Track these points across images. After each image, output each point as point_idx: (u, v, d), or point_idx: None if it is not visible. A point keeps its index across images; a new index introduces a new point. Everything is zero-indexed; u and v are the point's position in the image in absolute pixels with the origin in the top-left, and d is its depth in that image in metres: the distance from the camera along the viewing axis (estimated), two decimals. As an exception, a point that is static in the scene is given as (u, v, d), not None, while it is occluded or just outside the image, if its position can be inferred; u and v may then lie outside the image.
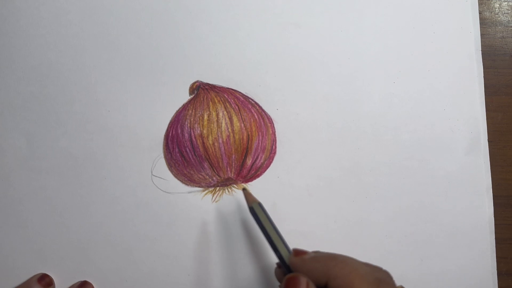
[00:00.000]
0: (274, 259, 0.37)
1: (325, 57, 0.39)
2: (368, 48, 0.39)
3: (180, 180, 0.38)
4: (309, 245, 0.38)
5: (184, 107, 0.38)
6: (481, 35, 0.40)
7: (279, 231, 0.31)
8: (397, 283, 0.38)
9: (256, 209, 0.32)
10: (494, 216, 0.38)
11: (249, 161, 0.38)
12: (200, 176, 0.38)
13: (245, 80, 0.39)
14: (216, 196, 0.38)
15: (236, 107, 0.38)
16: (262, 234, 0.32)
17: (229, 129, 0.38)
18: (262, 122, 0.38)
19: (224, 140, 0.38)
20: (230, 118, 0.38)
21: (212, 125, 0.38)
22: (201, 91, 0.38)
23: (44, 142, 0.37)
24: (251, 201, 0.33)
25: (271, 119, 0.38)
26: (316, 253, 0.30)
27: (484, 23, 0.41)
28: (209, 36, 0.39)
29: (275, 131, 0.38)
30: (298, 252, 0.30)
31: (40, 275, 0.36)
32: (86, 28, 0.38)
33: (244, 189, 0.36)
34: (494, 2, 0.41)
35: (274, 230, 0.31)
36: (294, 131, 0.38)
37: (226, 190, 0.38)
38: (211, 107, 0.38)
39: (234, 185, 0.38)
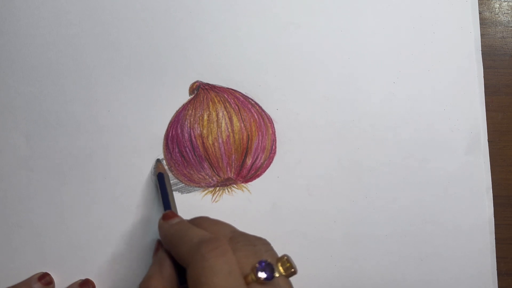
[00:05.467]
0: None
1: (325, 57, 0.39)
2: (368, 48, 0.39)
3: (180, 180, 0.38)
4: (309, 245, 0.38)
5: (184, 107, 0.38)
6: (481, 35, 0.40)
7: (175, 202, 0.34)
8: (397, 283, 0.38)
9: (164, 177, 0.35)
10: (494, 216, 0.38)
11: (249, 161, 0.38)
12: (200, 176, 0.38)
13: (245, 80, 0.39)
14: (216, 196, 0.38)
15: (236, 107, 0.38)
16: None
17: (229, 129, 0.38)
18: (262, 122, 0.38)
19: (224, 140, 0.38)
20: (230, 118, 0.38)
21: (212, 125, 0.38)
22: (201, 91, 0.38)
23: (44, 142, 0.37)
24: (161, 170, 0.36)
25: (271, 119, 0.38)
26: (177, 223, 0.30)
27: (484, 23, 0.41)
28: (209, 36, 0.39)
29: (275, 131, 0.38)
30: (167, 216, 0.31)
31: (41, 274, 0.36)
32: (86, 28, 0.38)
33: (158, 160, 0.37)
34: (494, 2, 0.41)
35: (172, 199, 0.34)
36: (294, 131, 0.38)
37: (226, 190, 0.38)
38: (211, 107, 0.38)
39: (234, 185, 0.38)
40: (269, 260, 0.25)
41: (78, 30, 0.38)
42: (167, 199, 0.33)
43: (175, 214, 0.31)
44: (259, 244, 0.28)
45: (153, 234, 0.37)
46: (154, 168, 0.37)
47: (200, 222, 0.31)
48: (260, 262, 0.25)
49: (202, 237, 0.27)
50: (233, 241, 0.27)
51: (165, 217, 0.31)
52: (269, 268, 0.25)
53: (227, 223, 0.31)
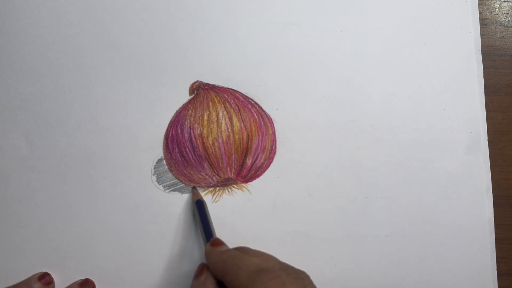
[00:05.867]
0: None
1: (325, 57, 0.39)
2: (368, 48, 0.39)
3: (180, 180, 0.38)
4: (309, 245, 0.38)
5: (184, 107, 0.38)
6: (481, 35, 0.40)
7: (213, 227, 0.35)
8: (397, 283, 0.38)
9: (203, 204, 0.36)
10: (494, 216, 0.38)
11: (249, 161, 0.38)
12: (200, 176, 0.38)
13: (245, 80, 0.39)
14: (216, 196, 0.38)
15: (236, 107, 0.38)
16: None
17: (229, 129, 0.38)
18: (262, 122, 0.38)
19: (224, 140, 0.38)
20: (230, 118, 0.38)
21: (212, 125, 0.38)
22: (201, 91, 0.38)
23: (44, 142, 0.37)
24: (198, 197, 0.37)
25: (271, 119, 0.38)
26: (226, 250, 0.31)
27: (484, 23, 0.41)
28: (209, 36, 0.39)
29: (275, 131, 0.38)
30: (214, 242, 0.32)
31: (41, 274, 0.36)
32: (86, 28, 0.38)
33: (194, 188, 0.37)
34: (494, 2, 0.41)
35: (212, 226, 0.35)
36: (294, 131, 0.38)
37: (226, 190, 0.38)
38: (211, 107, 0.38)
39: (234, 185, 0.38)
40: None
41: (78, 30, 0.38)
42: (209, 226, 0.34)
43: (222, 242, 0.32)
44: (306, 278, 0.28)
45: (154, 233, 0.37)
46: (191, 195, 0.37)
47: (245, 251, 0.31)
48: None
49: (261, 266, 0.28)
50: (285, 272, 0.28)
51: (213, 244, 0.32)
52: None
53: (269, 254, 0.31)
